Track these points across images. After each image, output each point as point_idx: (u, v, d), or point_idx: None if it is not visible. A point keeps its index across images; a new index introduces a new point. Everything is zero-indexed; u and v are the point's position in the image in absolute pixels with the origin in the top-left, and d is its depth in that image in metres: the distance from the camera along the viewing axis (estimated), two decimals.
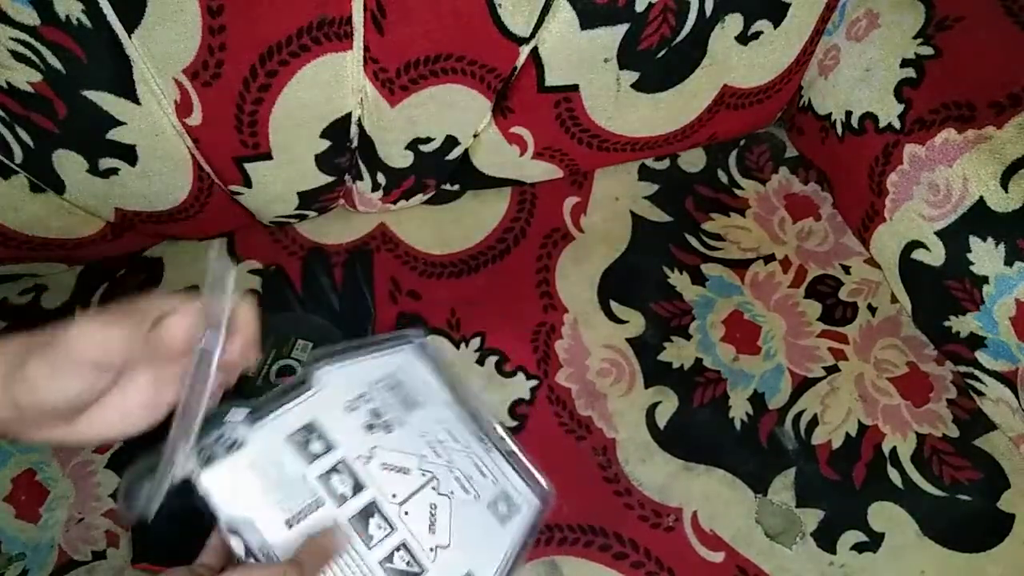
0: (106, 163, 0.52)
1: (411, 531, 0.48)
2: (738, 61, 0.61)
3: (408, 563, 0.48)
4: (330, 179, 0.60)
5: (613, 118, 0.62)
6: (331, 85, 0.50)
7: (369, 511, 0.48)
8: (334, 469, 0.48)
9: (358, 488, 0.48)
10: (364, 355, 0.52)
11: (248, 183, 0.57)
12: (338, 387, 0.51)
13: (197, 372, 0.37)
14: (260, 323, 0.41)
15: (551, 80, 0.56)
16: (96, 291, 0.65)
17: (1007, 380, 0.58)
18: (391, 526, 0.48)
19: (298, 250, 0.67)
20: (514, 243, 0.68)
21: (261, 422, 0.48)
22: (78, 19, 0.43)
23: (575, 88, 0.58)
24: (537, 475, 0.54)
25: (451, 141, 0.59)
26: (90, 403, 0.35)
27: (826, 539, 0.56)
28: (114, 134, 0.49)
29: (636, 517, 0.57)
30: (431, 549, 0.49)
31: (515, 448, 0.55)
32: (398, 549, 0.48)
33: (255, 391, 0.58)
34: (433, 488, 0.50)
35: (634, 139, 0.65)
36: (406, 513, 0.49)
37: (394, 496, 0.49)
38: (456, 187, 0.69)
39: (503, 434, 0.54)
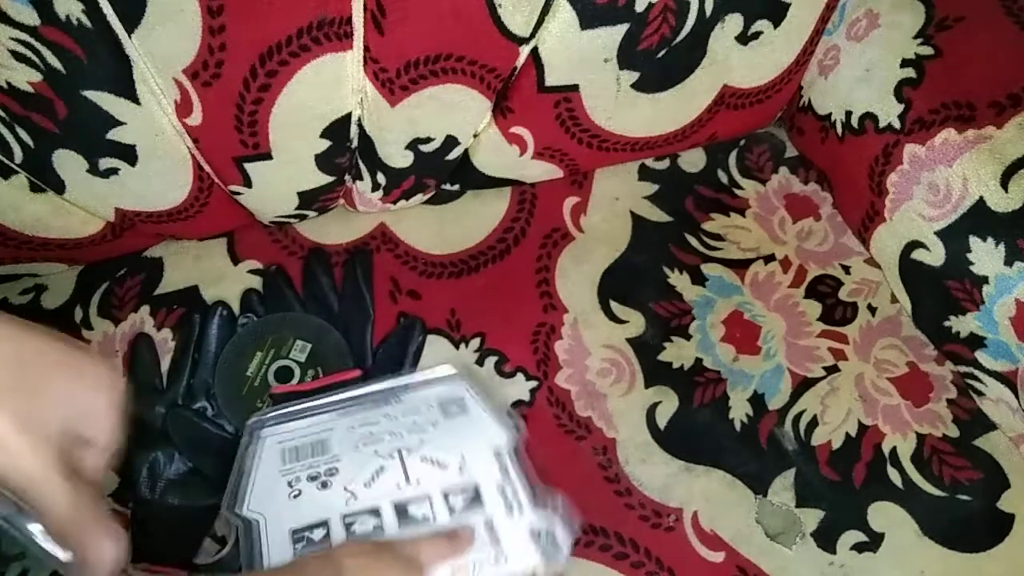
0: (106, 163, 0.52)
1: (432, 492, 0.51)
2: (738, 61, 0.61)
3: (465, 501, 0.51)
4: (330, 179, 0.60)
5: (613, 118, 0.62)
6: (331, 85, 0.51)
7: (402, 511, 0.50)
8: (349, 530, 0.50)
9: (376, 513, 0.50)
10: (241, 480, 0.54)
11: (248, 183, 0.57)
12: (269, 490, 0.52)
13: None
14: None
15: (551, 80, 0.56)
16: (96, 291, 0.65)
17: (1007, 380, 0.58)
18: (428, 503, 0.51)
19: (298, 250, 0.67)
20: (514, 243, 0.68)
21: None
22: (78, 19, 0.43)
23: (575, 88, 0.58)
24: (439, 373, 0.59)
25: (451, 141, 0.59)
26: None
27: (826, 539, 0.56)
28: (114, 134, 0.50)
29: (636, 517, 0.57)
30: (447, 496, 0.51)
31: (410, 374, 0.60)
32: (446, 499, 0.51)
33: (253, 393, 0.58)
34: (403, 455, 0.53)
35: (634, 139, 0.65)
36: (418, 481, 0.52)
37: (399, 487, 0.52)
38: (456, 187, 0.69)
39: (394, 379, 0.59)
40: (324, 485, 0.52)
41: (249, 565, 0.48)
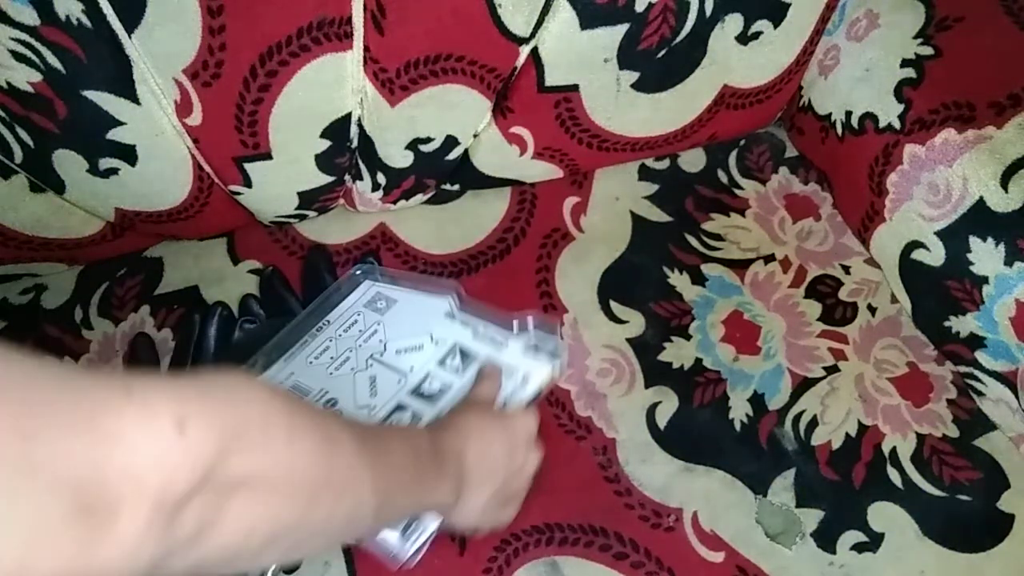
0: (106, 163, 0.52)
1: (430, 369, 0.55)
2: (738, 61, 0.61)
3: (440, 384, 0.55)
4: (330, 179, 0.60)
5: (613, 118, 0.62)
6: (331, 85, 0.51)
7: (420, 394, 0.54)
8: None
9: (402, 407, 0.54)
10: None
11: (248, 183, 0.57)
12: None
13: None
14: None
15: (551, 80, 0.56)
16: (96, 291, 0.65)
17: (1007, 380, 0.58)
18: (434, 377, 0.55)
19: (298, 250, 0.67)
20: (514, 243, 0.68)
21: None
22: (78, 19, 0.43)
23: (575, 88, 0.58)
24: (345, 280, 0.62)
25: (451, 141, 0.59)
26: None
27: (826, 539, 0.56)
28: (114, 134, 0.50)
29: (636, 517, 0.57)
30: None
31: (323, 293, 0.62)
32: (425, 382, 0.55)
33: None
34: (379, 359, 0.56)
35: (634, 139, 0.65)
36: (412, 369, 0.56)
37: (400, 382, 0.55)
38: (456, 187, 0.69)
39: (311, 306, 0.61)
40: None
41: None
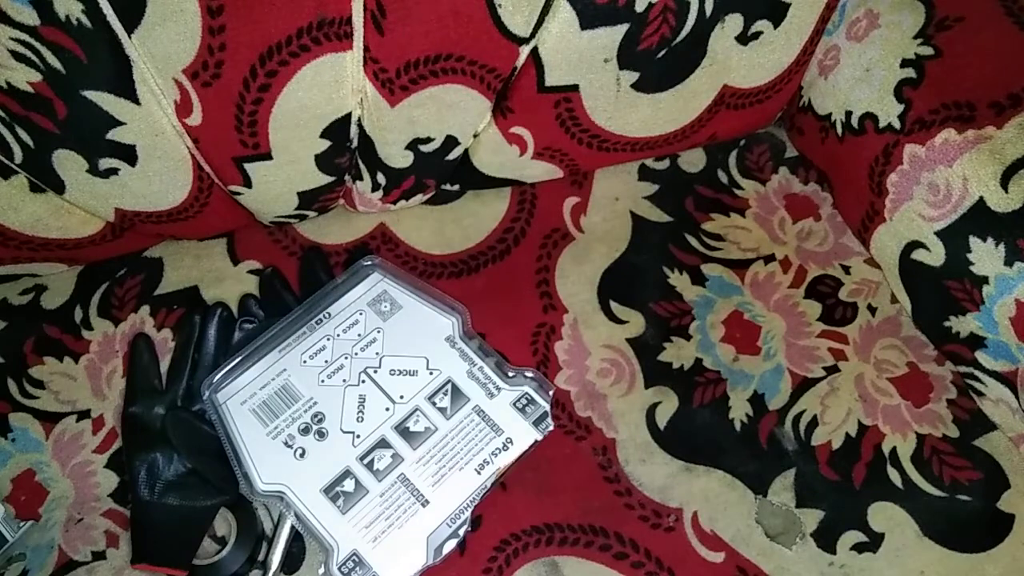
0: (106, 163, 0.52)
1: (419, 403, 0.56)
2: (738, 61, 0.61)
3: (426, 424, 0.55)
4: (330, 179, 0.60)
5: (613, 118, 0.62)
6: (331, 85, 0.51)
7: (404, 432, 0.55)
8: (372, 468, 0.54)
9: (385, 443, 0.54)
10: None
11: (248, 183, 0.57)
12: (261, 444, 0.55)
13: None
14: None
15: (551, 80, 0.56)
16: (96, 291, 0.65)
17: (1007, 380, 0.58)
18: (421, 414, 0.55)
19: (298, 250, 0.67)
20: (514, 243, 0.68)
21: (284, 520, 0.55)
22: (78, 19, 0.43)
23: (575, 88, 0.58)
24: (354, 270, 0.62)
25: (451, 141, 0.59)
26: None
27: (826, 539, 0.56)
28: (114, 134, 0.50)
29: (636, 517, 0.57)
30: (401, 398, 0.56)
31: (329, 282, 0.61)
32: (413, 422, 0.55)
33: None
34: (372, 376, 0.57)
35: (634, 139, 0.65)
36: (401, 397, 0.56)
37: (388, 410, 0.56)
38: (456, 187, 0.69)
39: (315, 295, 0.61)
40: (321, 435, 0.54)
41: (309, 532, 0.52)
